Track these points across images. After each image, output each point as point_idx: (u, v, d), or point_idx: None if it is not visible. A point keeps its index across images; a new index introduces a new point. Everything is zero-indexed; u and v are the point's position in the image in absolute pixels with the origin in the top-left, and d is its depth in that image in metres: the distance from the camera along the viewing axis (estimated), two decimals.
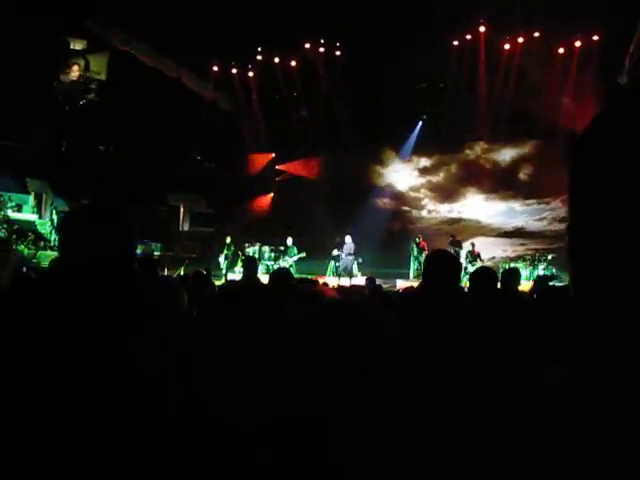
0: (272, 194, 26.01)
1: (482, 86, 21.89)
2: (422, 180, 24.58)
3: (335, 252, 19.42)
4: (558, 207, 21.96)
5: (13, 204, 21.12)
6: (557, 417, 0.64)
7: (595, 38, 19.96)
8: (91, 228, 1.65)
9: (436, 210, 24.35)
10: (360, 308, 1.50)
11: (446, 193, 24.09)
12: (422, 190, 24.57)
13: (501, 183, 23.12)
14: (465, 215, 23.72)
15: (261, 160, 25.82)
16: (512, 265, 15.67)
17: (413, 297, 4.00)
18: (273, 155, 25.76)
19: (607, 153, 0.66)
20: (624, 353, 0.62)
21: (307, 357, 1.43)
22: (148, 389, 1.27)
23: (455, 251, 18.98)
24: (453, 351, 2.11)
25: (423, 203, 24.55)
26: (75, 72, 24.39)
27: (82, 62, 24.35)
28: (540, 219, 22.46)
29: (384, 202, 24.74)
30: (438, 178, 24.29)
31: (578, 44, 20.47)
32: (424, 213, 24.37)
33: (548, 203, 22.34)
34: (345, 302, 1.57)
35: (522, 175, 22.94)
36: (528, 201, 22.65)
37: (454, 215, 23.98)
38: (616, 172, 0.64)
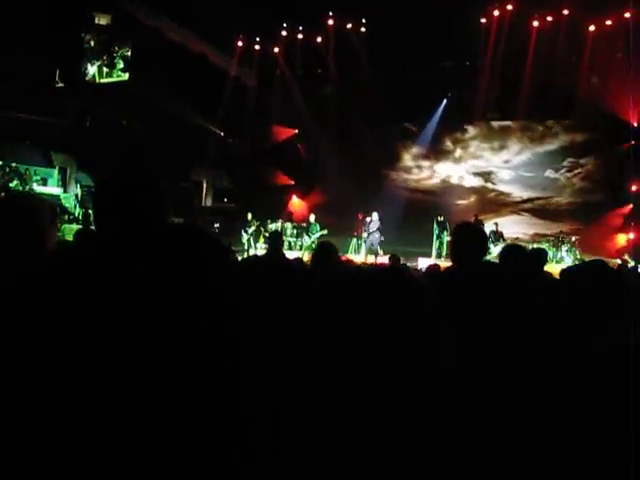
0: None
1: (509, 65, 21.54)
2: (445, 155, 24.37)
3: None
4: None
5: (38, 178, 21.33)
6: None
7: (627, 15, 19.52)
8: (126, 195, 1.66)
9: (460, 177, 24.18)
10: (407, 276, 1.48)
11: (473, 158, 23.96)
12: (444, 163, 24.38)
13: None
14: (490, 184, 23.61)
15: (283, 135, 25.72)
16: (536, 246, 15.53)
17: (444, 275, 3.96)
18: (296, 131, 25.64)
19: None
20: None
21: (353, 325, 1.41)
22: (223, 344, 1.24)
23: None
24: (496, 327, 2.08)
25: (445, 175, 24.35)
26: (99, 46, 24.40)
27: (107, 36, 24.35)
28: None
29: (406, 179, 24.60)
30: (462, 152, 24.10)
31: (609, 22, 20.04)
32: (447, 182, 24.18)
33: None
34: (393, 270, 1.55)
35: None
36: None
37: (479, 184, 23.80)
38: None
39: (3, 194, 16.97)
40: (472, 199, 23.72)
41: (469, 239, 3.53)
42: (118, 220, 1.55)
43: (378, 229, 19.05)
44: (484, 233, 3.90)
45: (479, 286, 2.23)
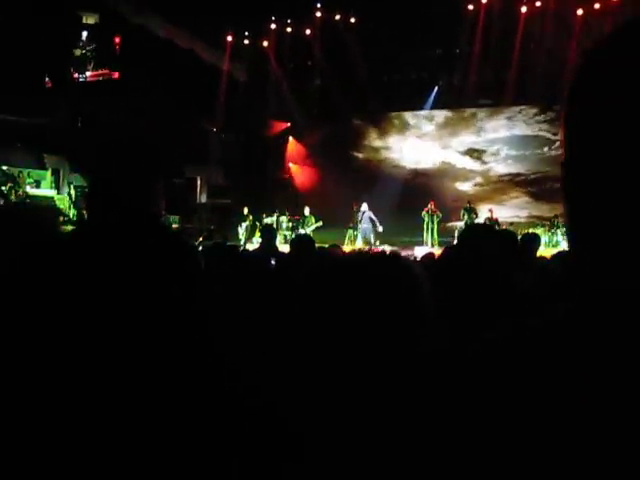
0: (288, 164, 25.92)
1: (498, 51, 21.51)
2: (441, 143, 24.34)
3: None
4: None
5: (31, 180, 21.28)
6: (559, 350, 0.63)
7: None
8: (118, 193, 1.69)
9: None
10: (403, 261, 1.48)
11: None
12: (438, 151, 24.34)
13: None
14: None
15: (277, 128, 25.69)
16: (531, 230, 15.56)
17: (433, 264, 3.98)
18: (289, 124, 25.62)
19: (611, 81, 0.63)
20: (623, 290, 0.61)
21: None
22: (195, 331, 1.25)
23: (470, 217, 19.00)
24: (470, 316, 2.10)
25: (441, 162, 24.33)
26: (88, 46, 24.33)
27: (95, 36, 24.27)
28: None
29: (400, 168, 24.58)
30: (454, 138, 24.08)
31: (597, 6, 20.00)
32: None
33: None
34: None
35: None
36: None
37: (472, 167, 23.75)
38: (621, 102, 0.61)
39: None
40: (465, 185, 23.69)
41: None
42: (108, 216, 1.56)
43: (370, 219, 19.11)
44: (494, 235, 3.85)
45: (458, 279, 2.26)
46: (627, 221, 0.60)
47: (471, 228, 3.86)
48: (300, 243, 5.08)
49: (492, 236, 3.73)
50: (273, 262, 4.59)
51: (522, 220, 21.18)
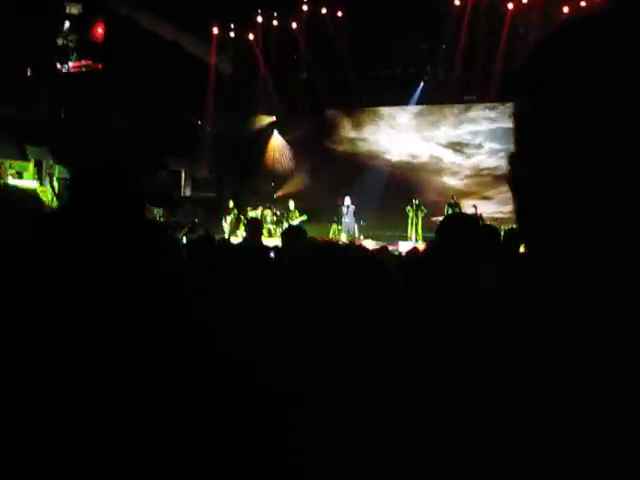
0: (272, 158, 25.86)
1: (484, 47, 21.56)
2: (422, 136, 24.32)
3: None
4: None
5: (13, 171, 21.10)
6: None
7: None
8: (100, 187, 1.67)
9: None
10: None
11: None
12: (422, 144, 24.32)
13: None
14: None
15: (262, 122, 25.62)
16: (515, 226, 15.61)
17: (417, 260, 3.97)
18: (274, 118, 25.56)
19: (553, 78, 0.63)
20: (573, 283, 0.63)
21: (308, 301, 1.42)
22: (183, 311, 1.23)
23: (454, 213, 19.07)
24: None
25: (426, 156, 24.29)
26: (71, 36, 24.11)
27: (78, 26, 24.05)
28: None
29: (384, 162, 24.56)
30: (438, 132, 24.06)
31: (583, 4, 20.11)
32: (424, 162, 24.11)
33: None
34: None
35: None
36: None
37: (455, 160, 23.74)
38: (563, 98, 0.61)
39: None
40: (449, 178, 23.71)
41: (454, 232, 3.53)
42: (90, 209, 1.55)
43: (353, 213, 19.17)
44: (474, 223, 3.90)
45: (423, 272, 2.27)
46: (572, 213, 0.61)
47: (452, 221, 3.86)
48: (291, 234, 5.07)
49: (473, 229, 3.76)
50: (272, 255, 4.55)
51: (506, 216, 21.26)
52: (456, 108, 23.43)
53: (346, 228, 19.10)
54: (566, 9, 20.29)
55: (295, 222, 19.22)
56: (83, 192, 1.78)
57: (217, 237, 6.51)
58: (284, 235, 5.21)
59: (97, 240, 1.10)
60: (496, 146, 22.99)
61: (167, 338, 1.17)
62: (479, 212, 19.11)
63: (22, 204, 2.25)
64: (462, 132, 23.56)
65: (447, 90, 22.74)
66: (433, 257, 2.38)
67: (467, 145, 23.58)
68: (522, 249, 5.88)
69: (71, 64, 24.13)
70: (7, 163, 20.79)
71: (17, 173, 21.44)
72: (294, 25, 23.13)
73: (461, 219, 4.27)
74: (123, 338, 1.10)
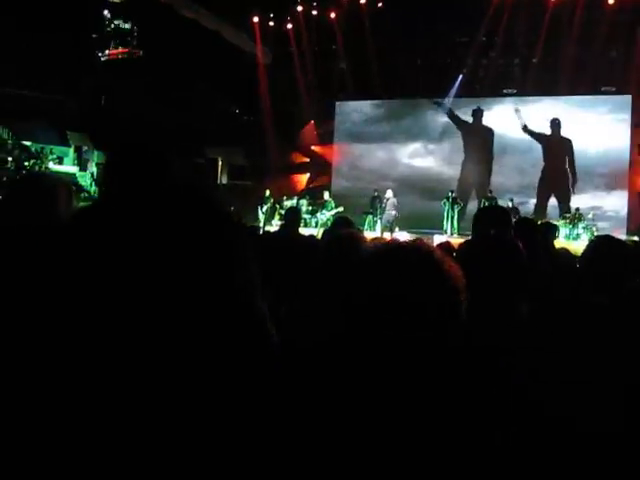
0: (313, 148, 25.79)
1: (524, 40, 21.21)
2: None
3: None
4: None
5: (54, 156, 21.45)
6: None
7: None
8: (133, 168, 1.69)
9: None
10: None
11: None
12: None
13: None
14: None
15: (299, 112, 25.53)
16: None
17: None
18: (311, 108, 25.48)
19: None
20: None
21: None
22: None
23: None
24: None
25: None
26: (114, 25, 24.39)
27: (119, 14, 24.32)
28: None
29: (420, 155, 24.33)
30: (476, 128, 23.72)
31: None
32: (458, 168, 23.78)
33: None
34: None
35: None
36: None
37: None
38: None
39: (20, 173, 17.12)
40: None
41: (491, 220, 3.55)
42: (123, 190, 1.56)
43: (394, 206, 19.05)
44: (507, 215, 3.92)
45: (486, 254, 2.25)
46: None
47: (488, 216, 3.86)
48: (292, 214, 5.09)
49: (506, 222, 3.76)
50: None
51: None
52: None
53: (385, 220, 19.00)
54: (611, 1, 19.87)
55: (331, 212, 19.23)
56: (117, 176, 1.80)
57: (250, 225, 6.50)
58: (286, 215, 5.23)
59: (140, 230, 1.08)
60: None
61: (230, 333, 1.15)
62: (515, 205, 18.92)
63: (56, 189, 2.28)
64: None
65: (487, 83, 22.43)
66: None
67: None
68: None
69: (111, 51, 24.41)
70: (48, 149, 21.14)
71: (58, 158, 21.78)
72: (332, 15, 23.02)
73: (494, 212, 4.26)
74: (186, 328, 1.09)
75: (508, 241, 2.33)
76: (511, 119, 22.42)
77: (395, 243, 1.51)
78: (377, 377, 1.32)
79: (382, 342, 1.35)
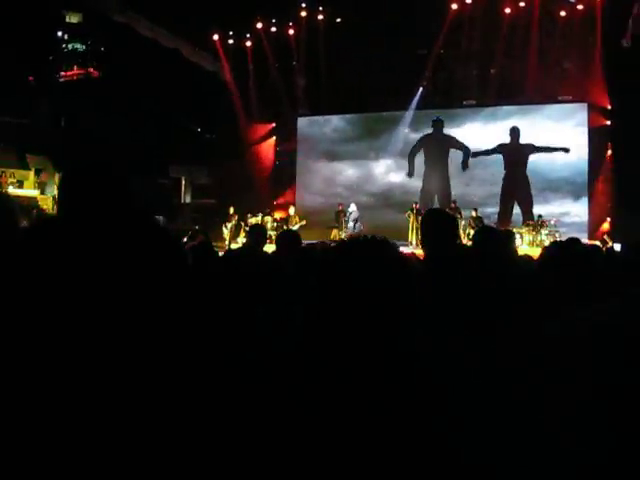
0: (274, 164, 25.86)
1: (482, 52, 21.54)
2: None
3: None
4: None
5: (14, 180, 21.10)
6: None
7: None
8: (90, 181, 1.69)
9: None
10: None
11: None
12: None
13: None
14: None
15: (262, 130, 25.60)
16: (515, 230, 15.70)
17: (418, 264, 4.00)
18: (274, 125, 25.59)
19: None
20: None
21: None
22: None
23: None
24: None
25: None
26: (71, 45, 24.19)
27: (78, 35, 24.14)
28: None
29: (385, 168, 24.46)
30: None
31: (580, 7, 20.11)
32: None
33: None
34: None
35: None
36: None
37: None
38: None
39: None
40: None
41: (438, 225, 3.59)
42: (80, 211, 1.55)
43: (356, 219, 19.21)
44: (453, 218, 3.98)
45: (456, 273, 2.27)
46: None
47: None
48: (286, 238, 5.08)
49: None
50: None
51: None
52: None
53: (347, 233, 19.14)
54: (563, 13, 20.34)
55: (295, 227, 19.25)
56: (70, 193, 1.79)
57: (215, 244, 6.45)
58: (279, 239, 5.18)
59: (96, 244, 1.10)
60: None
61: (171, 342, 1.17)
62: (479, 214, 19.20)
63: (21, 210, 2.27)
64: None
65: (446, 94, 22.71)
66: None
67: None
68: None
69: (70, 72, 24.19)
70: (8, 172, 20.80)
71: (18, 182, 21.44)
72: (291, 32, 23.13)
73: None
74: (126, 339, 1.10)
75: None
76: (473, 130, 22.73)
77: (341, 239, 1.56)
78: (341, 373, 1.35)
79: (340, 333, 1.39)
